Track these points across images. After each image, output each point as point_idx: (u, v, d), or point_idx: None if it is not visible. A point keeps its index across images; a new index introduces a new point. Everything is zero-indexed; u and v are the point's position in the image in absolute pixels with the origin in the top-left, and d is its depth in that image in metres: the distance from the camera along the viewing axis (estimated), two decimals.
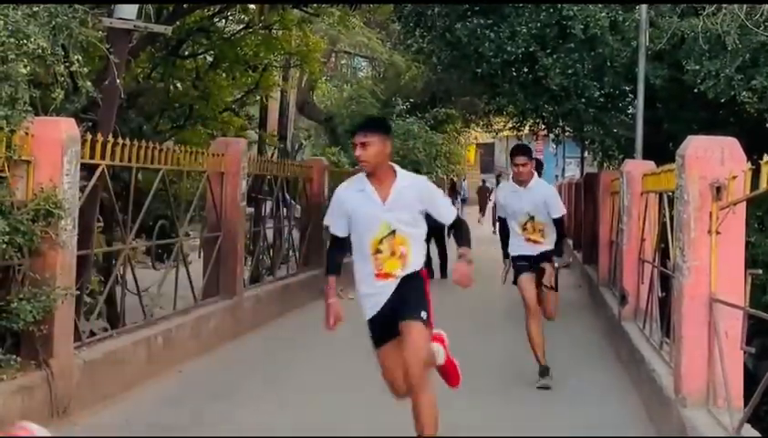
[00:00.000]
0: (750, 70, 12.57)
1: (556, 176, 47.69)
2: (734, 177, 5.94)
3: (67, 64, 7.42)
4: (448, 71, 19.70)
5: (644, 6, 13.33)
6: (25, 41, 6.40)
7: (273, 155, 18.05)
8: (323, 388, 8.20)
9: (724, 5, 12.45)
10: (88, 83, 7.92)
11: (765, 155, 5.25)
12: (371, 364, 9.14)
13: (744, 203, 6.03)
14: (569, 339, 10.84)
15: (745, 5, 12.23)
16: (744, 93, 12.44)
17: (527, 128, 24.12)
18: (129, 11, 8.64)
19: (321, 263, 14.34)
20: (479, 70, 16.33)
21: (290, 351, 9.84)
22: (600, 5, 14.36)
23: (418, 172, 19.07)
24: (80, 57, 7.66)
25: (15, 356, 6.26)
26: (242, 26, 14.26)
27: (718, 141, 6.30)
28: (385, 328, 5.83)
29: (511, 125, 24.91)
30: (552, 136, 25.05)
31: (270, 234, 13.71)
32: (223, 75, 14.05)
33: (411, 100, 30.09)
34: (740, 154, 6.13)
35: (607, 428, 7.15)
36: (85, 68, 7.85)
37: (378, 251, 5.74)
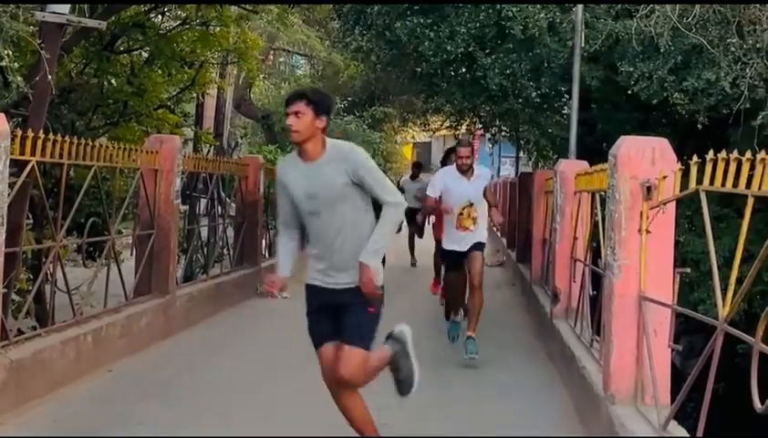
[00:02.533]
0: (682, 72, 12.77)
1: (492, 175, 48.07)
2: (665, 177, 6.01)
3: None
4: (387, 70, 19.80)
5: (580, 8, 13.47)
6: None
7: (208, 153, 17.93)
8: (254, 387, 8.16)
9: (657, 8, 12.62)
10: (19, 78, 7.79)
11: (695, 156, 5.32)
12: (304, 362, 9.14)
13: (674, 202, 6.10)
14: (501, 337, 10.91)
15: (678, 8, 12.40)
16: (676, 94, 12.63)
17: (464, 127, 24.26)
18: (62, 5, 8.51)
19: (255, 261, 14.39)
20: (418, 69, 16.44)
21: (222, 350, 9.77)
22: (539, 6, 14.47)
23: None
24: (11, 52, 7.53)
25: None
26: (178, 22, 14.12)
27: (649, 142, 6.37)
28: None
29: (448, 124, 25.07)
30: (488, 135, 25.24)
31: (204, 232, 13.61)
32: (159, 71, 13.89)
33: (350, 99, 30.18)
34: (670, 155, 6.20)
35: (537, 426, 7.21)
36: (16, 63, 7.71)
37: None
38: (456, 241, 9.78)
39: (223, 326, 11.26)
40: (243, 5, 13.44)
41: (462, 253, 9.73)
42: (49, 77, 8.24)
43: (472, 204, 9.70)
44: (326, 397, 5.85)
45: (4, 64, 7.37)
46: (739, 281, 4.74)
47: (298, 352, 9.64)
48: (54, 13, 8.39)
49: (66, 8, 8.53)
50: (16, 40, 8.13)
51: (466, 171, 9.76)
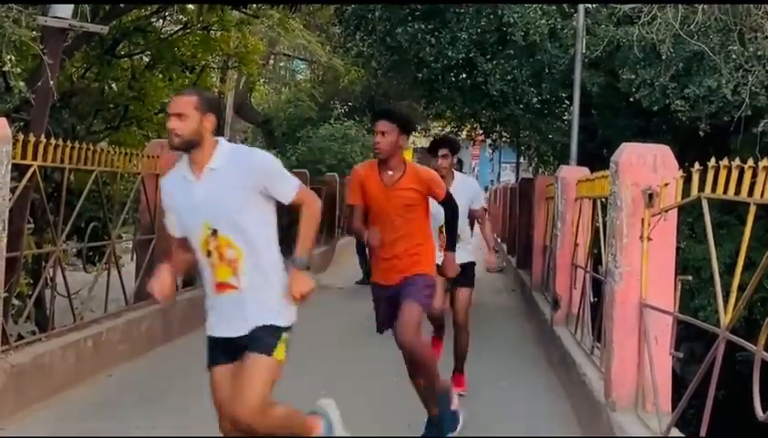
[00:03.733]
0: (683, 79, 12.77)
1: (492, 181, 48.01)
2: (666, 184, 6.01)
3: None
4: (387, 75, 19.78)
5: (581, 14, 13.47)
6: None
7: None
8: None
9: (659, 15, 12.62)
10: (21, 83, 7.79)
11: (696, 163, 5.32)
12: (302, 368, 9.12)
13: (676, 209, 6.10)
14: (501, 343, 10.90)
15: (679, 15, 12.41)
16: (678, 101, 12.64)
17: (465, 133, 24.27)
18: (65, 10, 8.51)
19: None
20: (419, 75, 16.42)
21: None
22: (540, 13, 14.48)
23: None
24: (13, 57, 7.54)
25: None
26: (179, 27, 14.13)
27: (651, 149, 6.37)
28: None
29: (449, 130, 25.05)
30: (489, 141, 25.24)
31: None
32: (160, 75, 13.89)
33: (350, 104, 30.14)
34: (672, 162, 6.20)
35: (538, 432, 7.20)
36: (17, 68, 7.71)
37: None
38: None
39: None
40: (244, 10, 13.43)
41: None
42: (51, 82, 8.24)
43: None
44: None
45: (6, 69, 7.37)
46: (740, 288, 4.74)
47: (297, 358, 9.65)
48: (56, 18, 8.39)
49: (68, 13, 8.53)
50: (18, 45, 8.12)
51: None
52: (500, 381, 8.88)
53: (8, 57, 7.39)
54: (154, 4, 12.57)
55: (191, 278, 12.64)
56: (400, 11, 15.70)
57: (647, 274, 6.16)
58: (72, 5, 8.61)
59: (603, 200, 7.96)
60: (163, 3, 12.71)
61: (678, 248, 6.66)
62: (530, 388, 8.77)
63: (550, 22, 14.57)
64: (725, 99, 12.34)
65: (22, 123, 8.86)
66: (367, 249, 8.29)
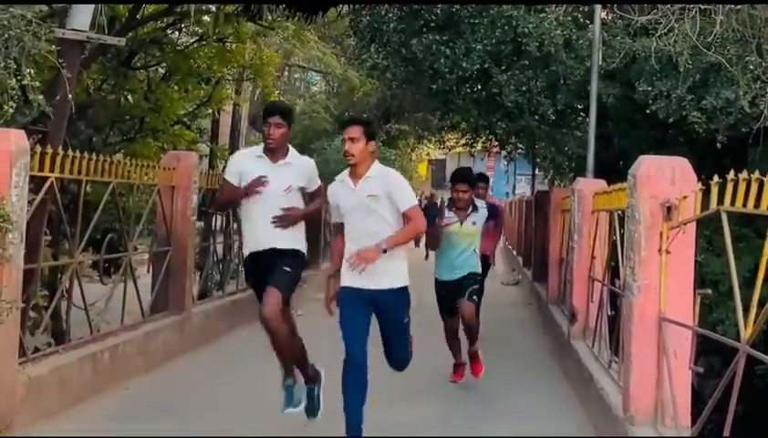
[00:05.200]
0: (700, 90, 12.70)
1: (507, 193, 47.91)
2: (685, 197, 5.99)
3: (18, 78, 7.33)
4: (402, 87, 19.72)
5: (597, 25, 13.45)
6: None
7: (224, 169, 17.92)
8: (270, 404, 8.13)
9: (676, 26, 12.58)
10: (40, 96, 7.81)
11: (715, 175, 5.29)
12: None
13: (694, 222, 6.08)
14: (518, 356, 10.86)
15: (697, 26, 12.37)
16: (694, 113, 12.56)
17: (480, 144, 24.21)
18: (83, 21, 8.52)
19: None
20: (434, 86, 16.37)
21: (238, 368, 9.74)
22: (555, 23, 14.44)
23: None
24: (32, 71, 7.56)
25: None
26: (195, 39, 14.18)
27: (669, 161, 6.36)
28: None
29: (464, 141, 25.02)
30: (504, 153, 25.20)
31: (220, 248, 13.59)
32: (176, 87, 13.94)
33: (365, 116, 30.15)
34: (690, 175, 6.19)
35: None
36: (36, 82, 7.74)
37: None
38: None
39: (238, 343, 11.22)
40: (259, 22, 13.45)
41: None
42: (69, 94, 8.27)
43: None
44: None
45: (25, 82, 7.39)
46: (760, 303, 4.71)
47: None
48: (74, 30, 8.41)
49: (86, 25, 8.55)
50: (37, 58, 8.14)
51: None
52: (516, 396, 8.84)
53: (27, 70, 7.41)
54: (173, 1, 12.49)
55: (207, 291, 12.67)
56: (415, 22, 15.68)
57: (665, 287, 6.13)
58: (89, 18, 8.63)
59: (620, 213, 7.93)
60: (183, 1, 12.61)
61: (696, 262, 6.62)
62: (547, 401, 8.73)
63: (565, 33, 14.53)
64: (743, 111, 12.27)
65: (40, 135, 8.90)
66: None
